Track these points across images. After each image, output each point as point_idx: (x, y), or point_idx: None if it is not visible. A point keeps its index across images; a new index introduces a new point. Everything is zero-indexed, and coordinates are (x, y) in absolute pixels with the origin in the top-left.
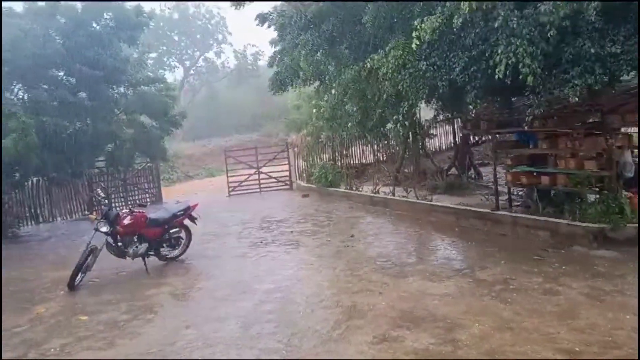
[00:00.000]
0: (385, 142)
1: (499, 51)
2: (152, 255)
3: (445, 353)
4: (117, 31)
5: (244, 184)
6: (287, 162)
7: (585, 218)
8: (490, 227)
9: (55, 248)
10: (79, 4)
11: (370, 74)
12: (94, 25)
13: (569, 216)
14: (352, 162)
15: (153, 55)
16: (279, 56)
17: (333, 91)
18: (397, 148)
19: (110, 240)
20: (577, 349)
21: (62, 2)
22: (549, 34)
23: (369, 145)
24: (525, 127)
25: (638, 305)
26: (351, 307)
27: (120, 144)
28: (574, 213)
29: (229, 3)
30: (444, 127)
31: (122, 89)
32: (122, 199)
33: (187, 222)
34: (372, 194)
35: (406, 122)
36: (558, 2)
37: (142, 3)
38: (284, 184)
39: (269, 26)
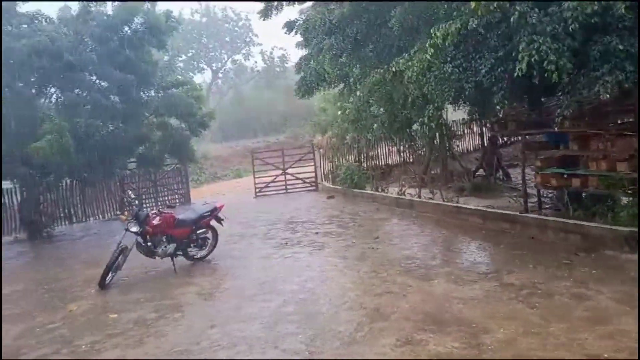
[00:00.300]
0: (412, 143)
1: (520, 48)
2: (180, 255)
3: (469, 357)
4: (148, 36)
5: (270, 185)
6: (312, 164)
7: (617, 221)
8: (518, 230)
9: (87, 247)
10: (110, 10)
11: (396, 76)
12: (126, 30)
13: (600, 219)
14: (377, 163)
15: (182, 58)
16: (304, 62)
17: (358, 93)
18: (424, 149)
19: (140, 240)
20: (605, 355)
21: (94, 9)
22: (570, 29)
23: (395, 147)
24: (555, 128)
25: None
26: (375, 309)
27: (151, 146)
28: (606, 216)
29: (256, 9)
30: (472, 128)
31: (152, 92)
32: (152, 200)
33: (213, 223)
34: (398, 196)
35: (432, 124)
36: (584, 2)
37: (171, 6)
38: (309, 185)
39: (296, 33)
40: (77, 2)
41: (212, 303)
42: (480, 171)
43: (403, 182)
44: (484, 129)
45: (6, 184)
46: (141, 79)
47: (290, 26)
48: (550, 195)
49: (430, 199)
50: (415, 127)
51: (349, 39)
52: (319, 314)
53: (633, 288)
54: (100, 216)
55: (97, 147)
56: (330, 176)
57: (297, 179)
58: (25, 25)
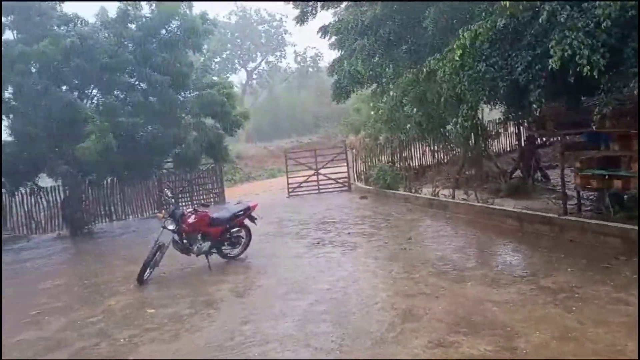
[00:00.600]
0: (446, 143)
1: (552, 44)
2: (214, 253)
3: None
4: (184, 38)
5: (303, 185)
6: (345, 164)
7: None
8: (556, 232)
9: (126, 244)
10: (148, 12)
11: (429, 76)
12: (163, 32)
13: None
14: (410, 164)
15: (217, 59)
16: (337, 64)
17: (391, 93)
18: (458, 150)
19: (176, 237)
20: None
21: (132, 12)
22: (603, 26)
23: (429, 147)
24: (594, 127)
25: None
26: (407, 310)
27: (187, 146)
28: None
29: (290, 14)
30: (508, 128)
31: (188, 93)
32: (188, 199)
33: (247, 222)
34: (432, 197)
35: (467, 124)
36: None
37: (207, 7)
38: (342, 185)
39: (330, 35)
40: (114, 5)
41: (245, 300)
42: (517, 172)
43: (437, 183)
44: (521, 128)
45: (50, 183)
46: (177, 80)
47: (324, 31)
48: (590, 197)
49: (465, 200)
50: (449, 127)
51: (381, 40)
52: (350, 314)
53: None
54: (139, 214)
55: (137, 147)
56: (362, 177)
57: (330, 179)
58: (64, 28)
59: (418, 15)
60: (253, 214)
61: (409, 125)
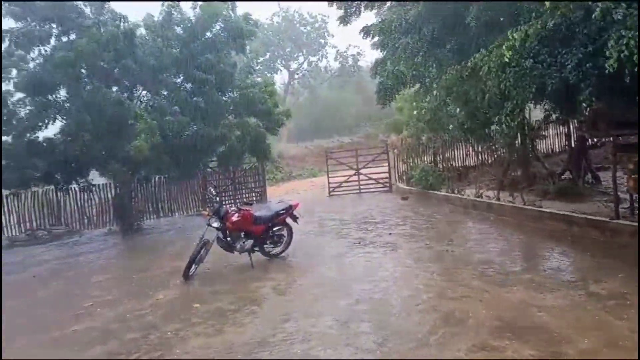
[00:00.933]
0: (490, 144)
1: (610, 45)
2: (256, 250)
3: None
4: (228, 40)
5: (343, 184)
6: (386, 164)
7: None
8: (607, 237)
9: (172, 240)
10: (192, 14)
11: (473, 73)
12: (207, 34)
13: None
14: (453, 164)
15: (260, 60)
16: (380, 65)
17: (435, 92)
18: (503, 150)
19: (220, 235)
20: None
21: (178, 16)
22: None
23: (472, 148)
24: None
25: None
26: (449, 313)
27: (230, 145)
28: None
29: (332, 14)
30: (557, 128)
31: (232, 94)
32: (230, 197)
33: (289, 220)
34: (475, 198)
35: (513, 123)
36: None
37: (249, 8)
38: (383, 185)
39: (372, 36)
40: (159, 7)
41: (287, 298)
42: (567, 174)
43: (480, 184)
44: (571, 128)
45: (102, 180)
46: (222, 80)
47: (367, 31)
48: None
49: (510, 202)
50: (493, 127)
51: (425, 38)
52: (391, 315)
53: None
54: (184, 211)
55: (182, 146)
56: (404, 177)
57: (371, 179)
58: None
59: (462, 12)
60: (295, 212)
61: (451, 126)
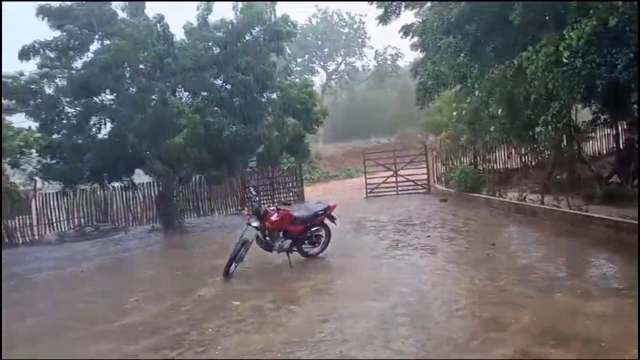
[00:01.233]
0: (534, 146)
1: None
2: (295, 250)
3: None
4: (267, 42)
5: (381, 186)
6: (425, 166)
7: None
8: None
9: (213, 239)
10: (233, 17)
11: (518, 72)
12: (247, 36)
13: None
14: (494, 167)
15: (298, 61)
16: (420, 65)
17: (477, 93)
18: (548, 152)
19: (259, 234)
20: None
21: (215, 20)
22: None
23: (514, 150)
24: None
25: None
26: (490, 318)
27: (269, 145)
28: None
29: (371, 13)
30: (604, 130)
31: (271, 94)
32: (269, 197)
33: (326, 221)
34: (517, 201)
35: (558, 125)
36: None
37: (288, 11)
38: (421, 187)
39: (412, 36)
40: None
41: (325, 298)
42: (615, 177)
43: (524, 187)
44: (619, 130)
45: (144, 179)
46: (261, 80)
47: (406, 30)
48: None
49: (555, 205)
50: (538, 128)
51: (467, 37)
52: (430, 319)
53: None
54: (223, 210)
55: (222, 146)
56: (443, 179)
57: (409, 180)
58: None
59: (505, 11)
60: (333, 213)
61: (493, 127)
